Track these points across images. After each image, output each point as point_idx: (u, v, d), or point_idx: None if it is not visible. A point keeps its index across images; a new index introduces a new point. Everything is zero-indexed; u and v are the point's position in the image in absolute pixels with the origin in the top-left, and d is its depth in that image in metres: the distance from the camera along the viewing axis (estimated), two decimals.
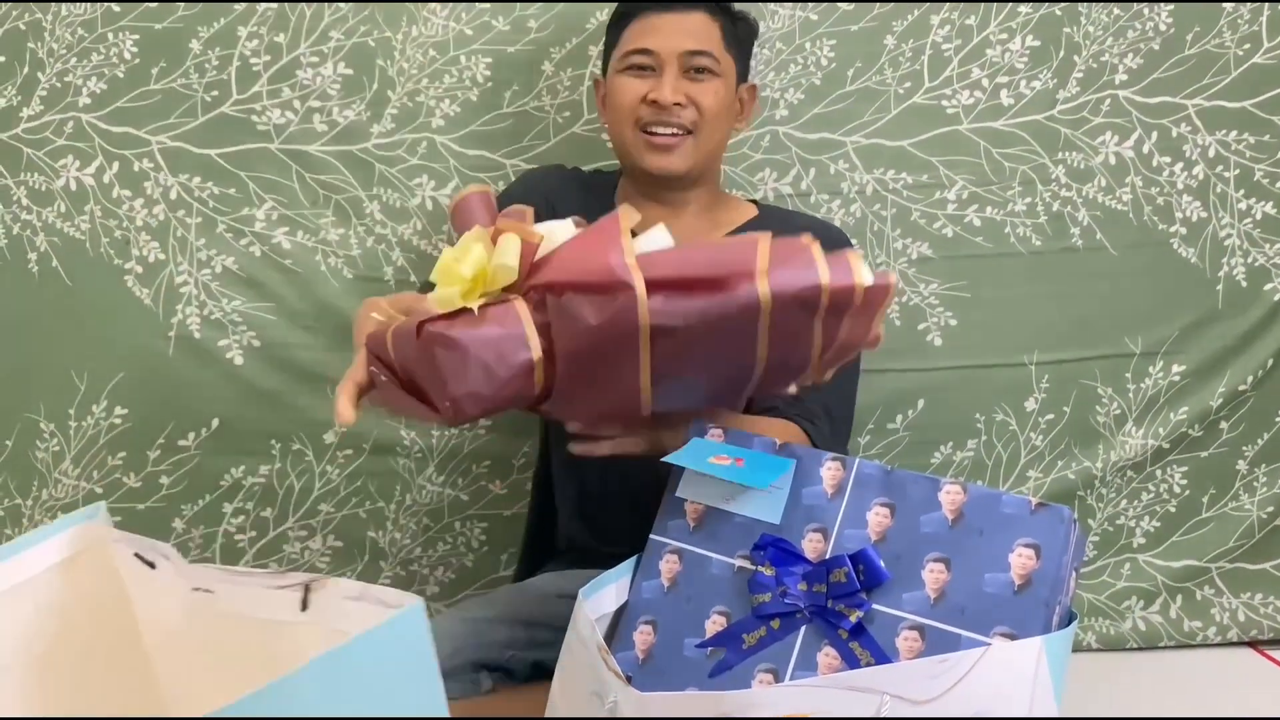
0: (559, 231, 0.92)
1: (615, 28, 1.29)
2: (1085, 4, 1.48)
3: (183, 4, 1.44)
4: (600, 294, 0.83)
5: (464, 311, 0.86)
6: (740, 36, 1.30)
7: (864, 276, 0.84)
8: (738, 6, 1.31)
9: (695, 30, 1.25)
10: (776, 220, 1.26)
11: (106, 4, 1.44)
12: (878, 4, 1.48)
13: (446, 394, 0.86)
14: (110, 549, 0.86)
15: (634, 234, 0.89)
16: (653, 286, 0.83)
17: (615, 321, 0.83)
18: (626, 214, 0.88)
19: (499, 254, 0.87)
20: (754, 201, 1.38)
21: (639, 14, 1.26)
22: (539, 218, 1.15)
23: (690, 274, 0.83)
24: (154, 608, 0.84)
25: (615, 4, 1.32)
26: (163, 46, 1.45)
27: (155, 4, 1.44)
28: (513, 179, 1.48)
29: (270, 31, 1.45)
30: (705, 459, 0.90)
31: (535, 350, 0.85)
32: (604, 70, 1.33)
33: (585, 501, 1.31)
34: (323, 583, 0.74)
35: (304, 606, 0.76)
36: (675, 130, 1.23)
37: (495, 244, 0.89)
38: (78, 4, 1.44)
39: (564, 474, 1.35)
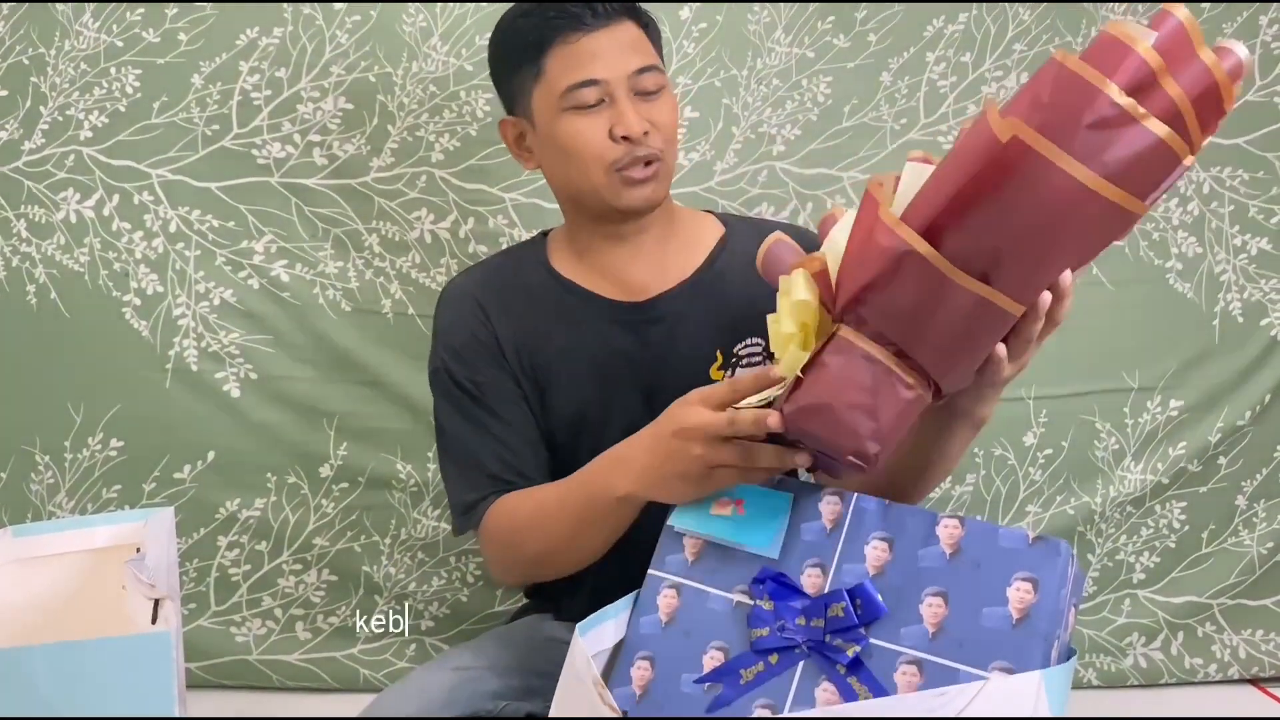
0: (840, 236, 0.87)
1: (527, 57, 1.11)
2: (1080, 41, 1.49)
3: (186, 32, 1.46)
4: (895, 276, 0.78)
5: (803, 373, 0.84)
6: (658, 35, 1.17)
7: (1142, 37, 0.72)
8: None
9: (634, 44, 1.11)
10: (745, 230, 1.21)
11: (110, 38, 1.46)
12: (874, 40, 1.49)
13: (845, 453, 0.83)
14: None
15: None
16: (935, 228, 0.76)
17: (925, 287, 0.78)
18: (876, 185, 0.82)
19: (791, 293, 0.85)
20: (710, 212, 1.28)
21: (559, 38, 1.09)
22: (490, 350, 1.16)
23: (955, 189, 0.76)
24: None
25: (508, 28, 1.15)
26: (164, 81, 1.46)
27: (158, 39, 1.46)
28: (509, 210, 1.49)
29: (271, 66, 1.46)
30: (706, 509, 0.91)
31: (884, 358, 0.81)
32: (510, 109, 1.18)
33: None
34: None
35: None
36: (649, 160, 1.10)
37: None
38: (80, 39, 1.46)
39: None
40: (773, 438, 0.88)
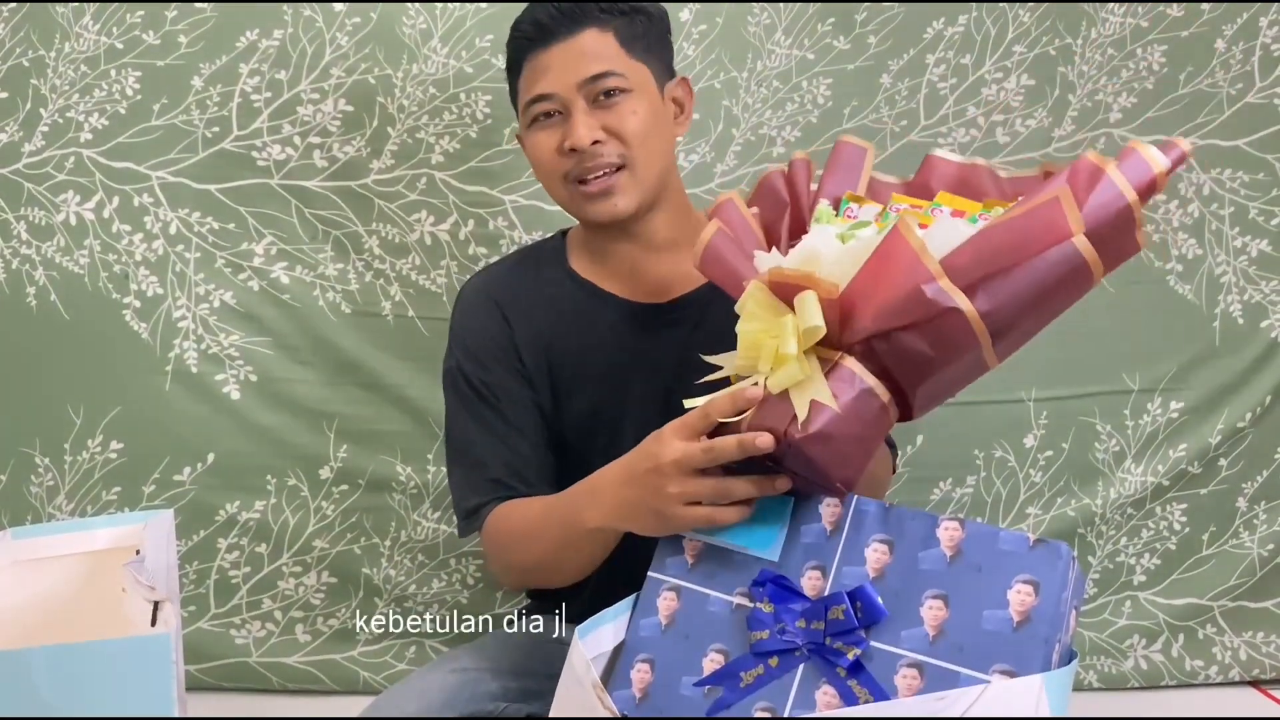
0: (823, 248, 0.89)
1: (511, 78, 1.16)
2: (1080, 42, 1.49)
3: (186, 34, 1.46)
4: (926, 324, 0.82)
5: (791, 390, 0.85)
6: (643, 33, 1.13)
7: (1159, 160, 0.83)
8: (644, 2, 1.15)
9: (587, 52, 1.09)
10: None
11: (110, 40, 1.46)
12: (874, 42, 1.49)
13: (835, 480, 0.86)
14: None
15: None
16: (971, 289, 0.82)
17: (952, 342, 0.83)
18: (908, 228, 0.83)
19: (804, 317, 0.84)
20: None
21: (525, 56, 1.12)
22: (505, 352, 1.16)
23: (1003, 261, 0.82)
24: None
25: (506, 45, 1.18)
26: (164, 83, 1.46)
27: (158, 41, 1.46)
28: (510, 212, 1.49)
29: (271, 69, 1.46)
30: None
31: (884, 395, 0.85)
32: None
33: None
34: None
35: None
36: (605, 170, 1.10)
37: (790, 304, 0.86)
38: (81, 41, 1.46)
39: None
40: (751, 464, 0.87)
